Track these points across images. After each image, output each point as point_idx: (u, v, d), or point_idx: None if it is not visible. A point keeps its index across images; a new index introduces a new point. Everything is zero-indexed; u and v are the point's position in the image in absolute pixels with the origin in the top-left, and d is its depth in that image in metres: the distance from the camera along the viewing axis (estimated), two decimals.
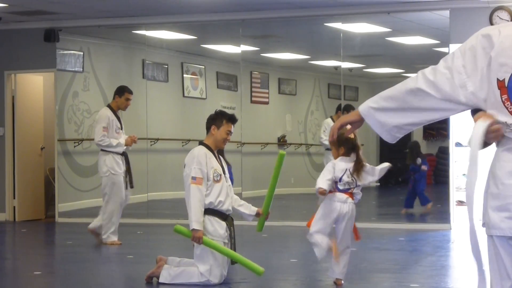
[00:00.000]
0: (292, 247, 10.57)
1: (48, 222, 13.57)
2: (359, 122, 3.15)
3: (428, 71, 3.02)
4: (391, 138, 3.13)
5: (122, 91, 10.34)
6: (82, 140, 13.83)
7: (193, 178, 7.04)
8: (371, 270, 8.23)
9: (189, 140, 14.43)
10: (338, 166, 7.05)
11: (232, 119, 7.33)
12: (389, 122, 3.08)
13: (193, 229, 6.92)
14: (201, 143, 7.33)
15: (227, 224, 7.16)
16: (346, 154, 7.08)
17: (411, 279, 7.31)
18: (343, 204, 7.05)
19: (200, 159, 7.10)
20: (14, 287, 7.70)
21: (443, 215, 12.25)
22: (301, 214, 14.18)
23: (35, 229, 13.02)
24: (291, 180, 15.74)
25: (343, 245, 7.12)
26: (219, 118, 7.30)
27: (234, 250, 7.15)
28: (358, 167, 7.08)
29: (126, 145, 10.23)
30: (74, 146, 13.78)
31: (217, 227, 7.07)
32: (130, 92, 10.34)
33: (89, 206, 13.84)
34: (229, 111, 7.58)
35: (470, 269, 8.41)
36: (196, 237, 6.94)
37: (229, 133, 7.27)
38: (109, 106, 10.38)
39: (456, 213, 12.03)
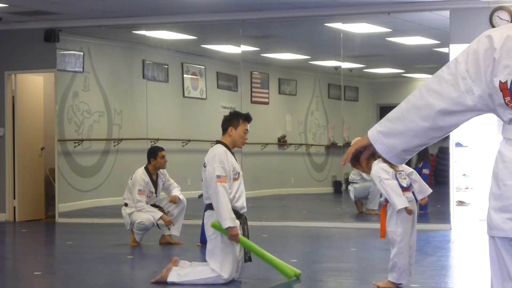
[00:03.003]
0: (292, 247, 10.56)
1: (48, 222, 13.56)
2: (372, 145, 3.14)
3: (432, 81, 3.00)
4: (400, 161, 3.14)
5: (154, 152, 10.10)
6: (82, 140, 13.83)
7: (218, 176, 7.06)
8: (371, 270, 8.23)
9: (189, 140, 14.42)
10: (384, 167, 6.77)
11: (247, 118, 7.39)
12: (398, 146, 3.08)
13: (229, 227, 6.95)
14: (218, 142, 7.35)
15: (240, 223, 7.18)
16: (374, 158, 6.73)
17: (411, 279, 7.30)
18: (412, 202, 6.92)
19: (222, 157, 7.14)
20: (14, 287, 7.70)
21: (443, 215, 12.24)
22: (301, 214, 14.18)
23: (35, 229, 13.01)
24: (291, 180, 15.74)
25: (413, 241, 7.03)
26: (235, 119, 7.34)
27: None
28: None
29: (165, 222, 9.91)
30: (74, 146, 13.77)
31: None
32: (162, 149, 10.12)
33: (89, 206, 13.84)
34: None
35: (470, 270, 8.42)
36: (234, 235, 6.97)
37: (246, 132, 7.35)
38: (146, 168, 10.10)
39: (456, 213, 12.03)
